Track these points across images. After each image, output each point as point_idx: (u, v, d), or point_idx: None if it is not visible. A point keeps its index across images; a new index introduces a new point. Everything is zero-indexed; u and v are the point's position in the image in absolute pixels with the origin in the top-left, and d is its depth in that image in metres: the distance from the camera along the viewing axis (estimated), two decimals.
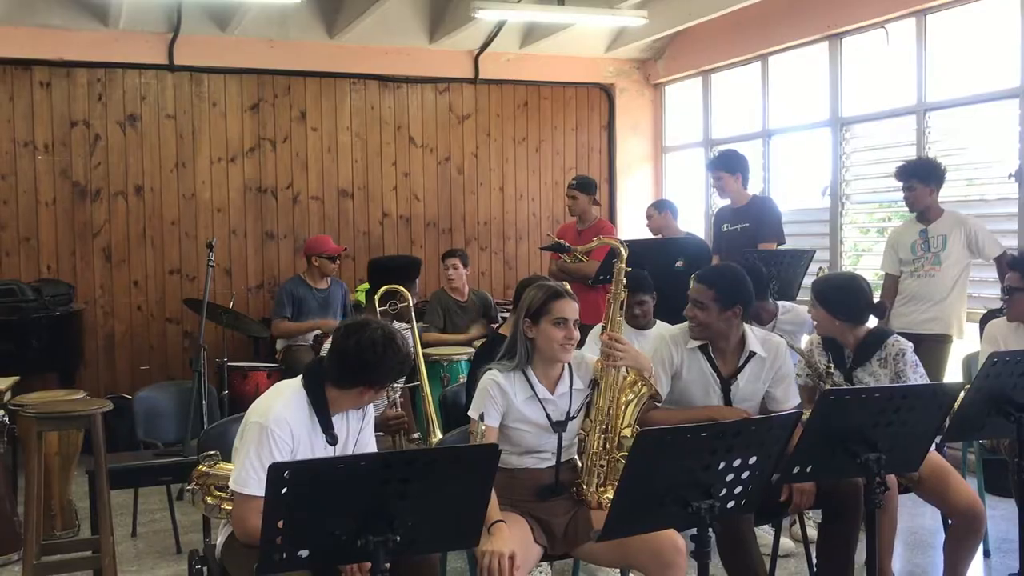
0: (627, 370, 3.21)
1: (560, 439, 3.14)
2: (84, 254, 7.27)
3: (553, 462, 3.16)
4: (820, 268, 5.63)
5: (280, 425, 2.74)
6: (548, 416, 3.13)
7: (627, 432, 3.12)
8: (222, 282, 7.51)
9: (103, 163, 7.30)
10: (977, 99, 6.02)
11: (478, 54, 8.20)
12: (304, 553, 2.27)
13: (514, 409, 3.11)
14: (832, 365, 3.81)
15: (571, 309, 3.10)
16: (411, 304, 4.02)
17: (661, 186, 9.08)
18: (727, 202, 6.21)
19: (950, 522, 3.81)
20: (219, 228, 7.56)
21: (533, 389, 3.13)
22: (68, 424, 4.40)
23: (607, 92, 8.89)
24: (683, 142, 8.91)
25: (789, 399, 3.59)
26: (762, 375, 3.56)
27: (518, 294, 4.26)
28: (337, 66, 7.79)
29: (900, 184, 6.49)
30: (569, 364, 3.22)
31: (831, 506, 3.51)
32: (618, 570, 3.67)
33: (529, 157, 8.58)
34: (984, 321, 4.68)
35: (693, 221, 8.24)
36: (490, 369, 3.15)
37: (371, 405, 3.02)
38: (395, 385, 3.60)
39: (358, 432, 2.97)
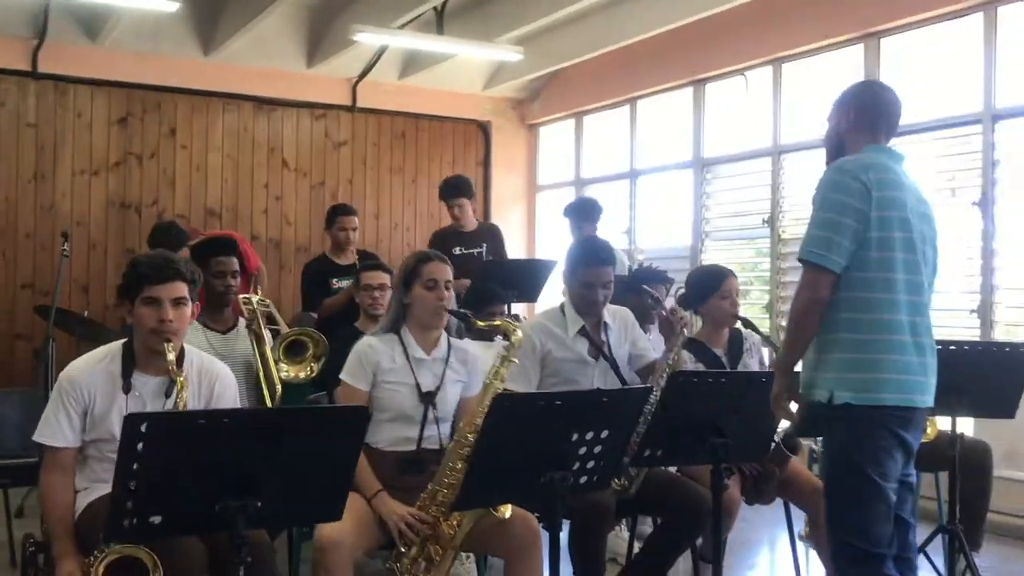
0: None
1: (426, 411, 3.16)
2: None
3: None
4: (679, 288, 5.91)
5: (70, 379, 2.81)
6: (417, 380, 3.16)
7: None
8: (78, 298, 7.21)
9: None
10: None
11: (356, 82, 8.24)
12: (156, 519, 2.19)
13: (386, 369, 3.15)
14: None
15: (441, 271, 3.20)
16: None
17: (534, 223, 9.26)
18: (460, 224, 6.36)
19: (802, 532, 3.99)
20: (79, 243, 7.24)
21: (406, 350, 3.19)
22: None
23: (484, 129, 9.06)
24: (555, 181, 9.13)
25: (648, 353, 3.82)
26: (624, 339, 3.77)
27: None
28: (211, 84, 7.69)
29: (759, 223, 6.90)
30: (449, 340, 3.29)
31: (677, 516, 3.55)
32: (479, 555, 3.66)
33: (405, 188, 8.63)
34: None
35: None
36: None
37: (225, 385, 2.99)
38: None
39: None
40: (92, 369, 2.83)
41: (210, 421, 2.22)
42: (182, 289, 2.82)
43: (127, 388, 2.80)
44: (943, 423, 3.97)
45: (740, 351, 4.02)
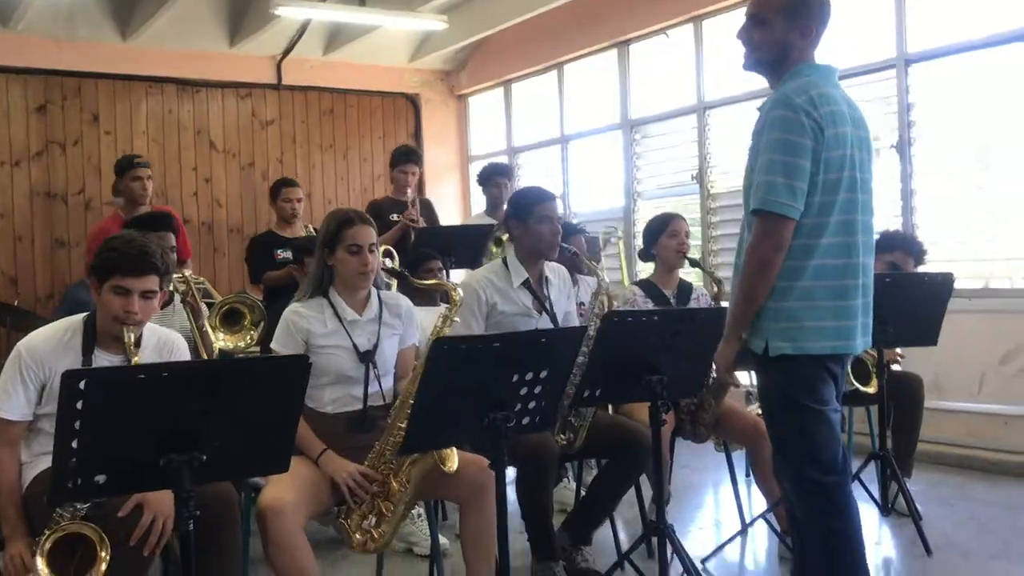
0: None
1: (368, 369, 3.13)
2: None
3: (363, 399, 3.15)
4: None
5: (31, 352, 2.77)
6: (353, 342, 3.14)
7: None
8: (6, 291, 7.05)
9: None
10: (750, 96, 6.53)
11: (281, 59, 8.15)
12: (101, 479, 2.17)
13: (318, 334, 3.12)
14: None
15: (364, 234, 3.14)
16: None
17: (468, 194, 9.28)
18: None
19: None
20: (4, 235, 7.11)
21: (337, 312, 3.16)
22: None
23: (413, 102, 9.04)
24: (488, 151, 9.15)
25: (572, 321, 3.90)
26: (564, 296, 3.84)
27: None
28: (132, 68, 7.53)
29: (689, 180, 7.02)
30: (380, 296, 3.26)
31: (619, 454, 3.65)
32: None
33: (337, 164, 8.58)
34: None
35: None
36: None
37: (181, 352, 2.99)
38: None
39: None
40: (54, 343, 2.80)
41: (149, 375, 2.20)
42: (154, 282, 2.79)
43: (87, 365, 2.77)
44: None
45: (688, 299, 4.17)
